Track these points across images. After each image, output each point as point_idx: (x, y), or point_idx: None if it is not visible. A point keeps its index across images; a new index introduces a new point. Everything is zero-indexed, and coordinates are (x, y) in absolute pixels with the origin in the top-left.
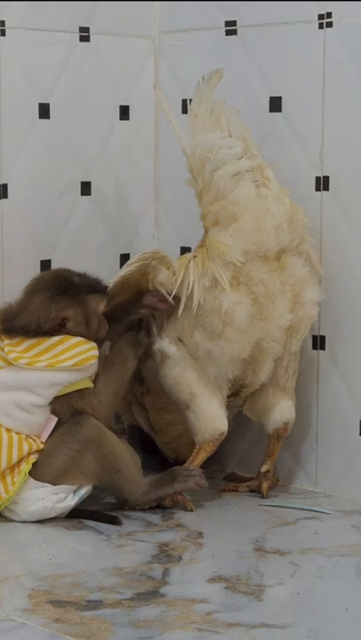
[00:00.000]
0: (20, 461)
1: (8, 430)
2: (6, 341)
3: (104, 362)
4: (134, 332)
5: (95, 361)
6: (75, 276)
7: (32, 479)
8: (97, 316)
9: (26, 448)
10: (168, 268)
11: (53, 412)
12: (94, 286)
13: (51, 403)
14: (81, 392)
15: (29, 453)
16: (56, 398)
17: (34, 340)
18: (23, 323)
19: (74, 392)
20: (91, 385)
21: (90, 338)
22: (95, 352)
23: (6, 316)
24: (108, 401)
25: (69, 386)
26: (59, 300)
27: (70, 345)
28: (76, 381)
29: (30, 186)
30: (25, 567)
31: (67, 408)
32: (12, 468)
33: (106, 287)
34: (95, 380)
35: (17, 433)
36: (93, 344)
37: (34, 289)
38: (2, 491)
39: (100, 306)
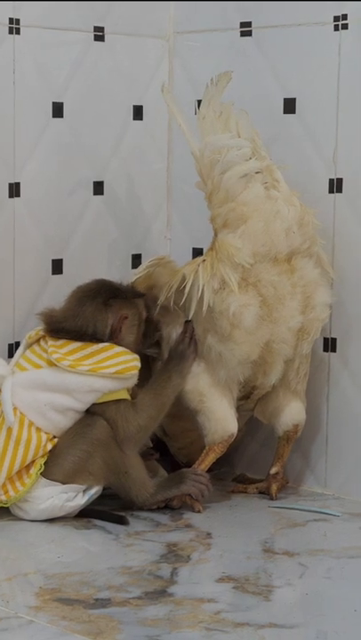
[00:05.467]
0: (33, 461)
1: (38, 430)
2: (50, 342)
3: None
4: (178, 347)
5: (136, 372)
6: (117, 284)
7: (43, 478)
8: (143, 319)
9: (48, 448)
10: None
11: None
12: (136, 292)
13: (87, 410)
14: (117, 403)
15: (44, 454)
16: (93, 406)
17: (79, 344)
18: (76, 328)
19: (111, 402)
20: (128, 397)
21: (139, 342)
22: (137, 363)
23: (51, 319)
24: (145, 418)
25: (108, 394)
26: (112, 303)
27: (114, 353)
28: (115, 390)
29: (43, 185)
30: (33, 565)
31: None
32: (27, 467)
33: (144, 294)
34: (136, 395)
35: (46, 433)
36: (136, 356)
37: (82, 297)
38: (12, 489)
39: (144, 310)
